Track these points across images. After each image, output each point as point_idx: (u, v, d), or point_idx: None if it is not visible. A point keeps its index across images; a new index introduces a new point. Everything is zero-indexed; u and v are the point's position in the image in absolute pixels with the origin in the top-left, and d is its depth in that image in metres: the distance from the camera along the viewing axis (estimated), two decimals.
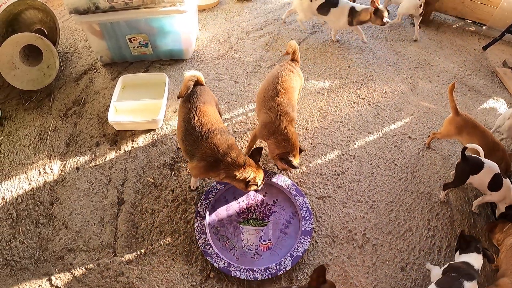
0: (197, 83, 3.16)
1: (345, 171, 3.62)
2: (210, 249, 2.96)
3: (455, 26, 5.85)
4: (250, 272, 2.87)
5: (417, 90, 4.54)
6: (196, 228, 3.06)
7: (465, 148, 3.19)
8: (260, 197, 3.31)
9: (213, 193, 3.24)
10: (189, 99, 3.02)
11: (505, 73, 5.29)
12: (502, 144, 3.46)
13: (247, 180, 2.86)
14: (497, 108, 4.60)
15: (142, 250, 3.06)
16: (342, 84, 4.41)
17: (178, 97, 3.09)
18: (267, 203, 3.28)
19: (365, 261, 3.12)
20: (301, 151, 3.19)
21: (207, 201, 3.20)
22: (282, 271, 2.90)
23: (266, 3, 5.67)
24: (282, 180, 3.35)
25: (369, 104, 4.23)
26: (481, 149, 3.21)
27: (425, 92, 4.52)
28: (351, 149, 3.78)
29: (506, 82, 5.16)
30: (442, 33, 5.62)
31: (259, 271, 2.88)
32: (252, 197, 3.30)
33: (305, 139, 3.80)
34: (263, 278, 2.86)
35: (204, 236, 3.02)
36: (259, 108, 3.25)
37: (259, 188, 3.02)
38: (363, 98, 4.29)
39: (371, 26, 5.29)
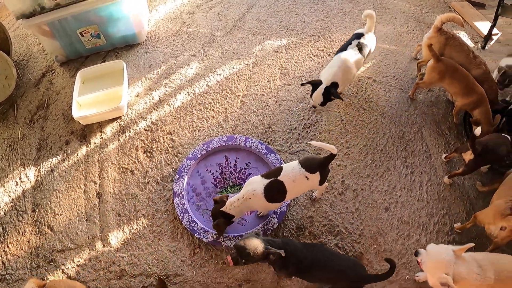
0: None
1: (314, 123, 3.64)
2: (196, 225, 2.99)
3: None
4: (240, 238, 2.89)
5: (376, 34, 4.47)
6: (177, 208, 3.08)
7: None
8: (232, 163, 3.33)
9: (186, 170, 3.25)
10: None
11: (462, 6, 5.28)
12: (482, 89, 3.45)
13: None
14: None
15: (129, 236, 3.10)
16: (299, 40, 4.38)
17: None
18: (240, 167, 3.30)
19: (348, 208, 3.17)
20: None
21: (182, 179, 3.21)
22: (270, 230, 2.95)
23: None
24: (250, 142, 3.38)
25: (329, 55, 4.20)
26: None
27: (384, 35, 4.50)
28: None
29: (464, 15, 5.16)
30: None
31: None
32: (224, 165, 3.31)
33: (270, 98, 3.81)
34: None
35: (187, 214, 3.04)
36: None
37: None
38: (322, 50, 4.27)
39: None
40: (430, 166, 3.45)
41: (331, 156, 2.69)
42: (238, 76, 4.01)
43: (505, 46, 4.77)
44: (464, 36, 4.63)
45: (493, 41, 4.84)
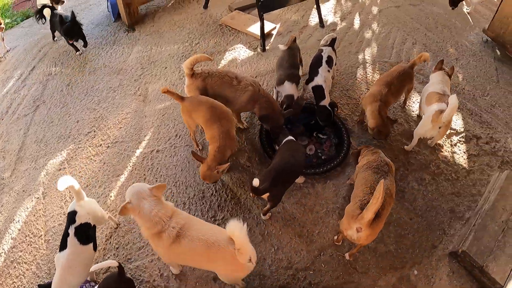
0: None
1: (115, 230, 3.68)
2: None
3: (170, 4, 5.77)
4: None
5: (149, 97, 4.59)
6: None
7: None
8: None
9: None
10: None
11: (233, 18, 5.45)
12: (230, 113, 3.56)
13: None
14: (238, 57, 4.75)
15: None
16: (77, 145, 4.37)
17: None
18: None
19: None
20: None
21: None
22: None
23: None
24: None
25: (108, 147, 4.26)
26: None
27: (157, 94, 4.55)
28: (109, 204, 3.84)
29: (236, 25, 5.32)
30: (159, 20, 5.56)
31: None
32: None
33: None
34: None
35: None
36: None
37: None
38: (101, 145, 4.30)
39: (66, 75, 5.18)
40: (243, 210, 3.57)
41: (120, 268, 2.83)
42: (34, 215, 3.95)
43: (288, 35, 4.95)
44: (242, 48, 4.79)
45: (273, 37, 5.00)
